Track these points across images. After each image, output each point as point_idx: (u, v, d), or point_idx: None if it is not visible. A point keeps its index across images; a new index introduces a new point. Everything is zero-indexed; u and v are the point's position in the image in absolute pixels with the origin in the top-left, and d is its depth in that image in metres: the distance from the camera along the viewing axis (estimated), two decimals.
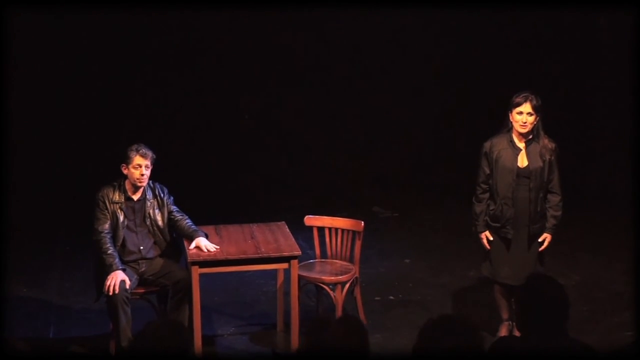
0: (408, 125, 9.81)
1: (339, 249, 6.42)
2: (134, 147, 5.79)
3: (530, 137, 5.71)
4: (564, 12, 9.29)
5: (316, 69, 9.52)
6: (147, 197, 5.92)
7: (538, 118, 5.67)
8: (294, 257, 5.81)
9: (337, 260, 6.43)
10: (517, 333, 5.85)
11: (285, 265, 5.88)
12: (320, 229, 6.47)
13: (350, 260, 6.39)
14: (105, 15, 8.73)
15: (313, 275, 6.22)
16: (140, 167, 5.75)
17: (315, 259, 6.53)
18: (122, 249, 5.85)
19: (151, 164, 5.81)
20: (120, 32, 8.90)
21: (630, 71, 9.01)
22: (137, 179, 5.78)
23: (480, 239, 5.90)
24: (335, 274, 6.23)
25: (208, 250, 5.77)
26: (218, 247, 5.85)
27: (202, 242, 5.81)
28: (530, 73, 9.23)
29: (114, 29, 8.87)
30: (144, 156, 5.76)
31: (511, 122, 5.71)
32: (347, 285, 6.20)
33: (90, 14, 8.65)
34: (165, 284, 5.87)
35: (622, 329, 6.23)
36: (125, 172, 5.82)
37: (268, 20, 9.28)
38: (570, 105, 9.65)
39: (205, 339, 5.95)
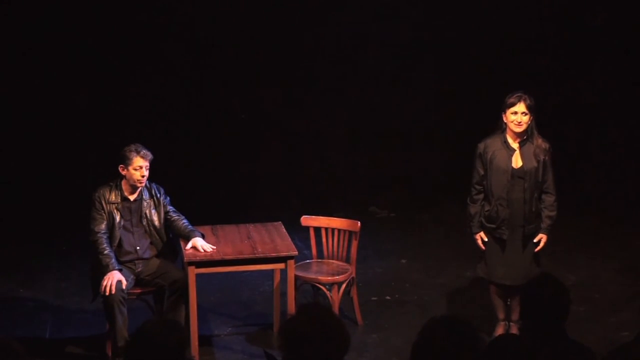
0: (404, 125, 9.80)
1: (335, 249, 6.42)
2: (133, 147, 5.76)
3: (525, 137, 5.70)
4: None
5: (313, 67, 9.50)
6: (144, 197, 5.90)
7: (532, 118, 5.67)
8: (291, 257, 5.82)
9: (333, 261, 6.43)
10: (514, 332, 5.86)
11: (281, 266, 5.88)
12: (317, 229, 6.47)
13: (347, 260, 6.39)
14: (102, 9, 8.73)
15: (310, 275, 6.23)
16: (141, 168, 5.73)
17: (312, 259, 6.53)
18: (119, 249, 5.84)
19: (149, 165, 5.80)
20: (118, 29, 8.88)
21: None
22: (138, 180, 5.76)
23: (475, 240, 5.91)
24: (332, 274, 6.23)
25: (204, 251, 5.77)
26: (214, 247, 5.85)
27: (198, 242, 5.81)
28: (529, 72, 9.23)
29: (111, 26, 8.85)
30: (144, 157, 5.74)
31: (505, 123, 5.71)
32: (344, 286, 6.21)
33: (89, 9, 8.66)
34: (162, 284, 5.87)
35: (619, 330, 6.24)
36: (123, 172, 5.79)
37: (265, 18, 9.26)
38: (568, 105, 9.65)
39: (202, 339, 5.96)
